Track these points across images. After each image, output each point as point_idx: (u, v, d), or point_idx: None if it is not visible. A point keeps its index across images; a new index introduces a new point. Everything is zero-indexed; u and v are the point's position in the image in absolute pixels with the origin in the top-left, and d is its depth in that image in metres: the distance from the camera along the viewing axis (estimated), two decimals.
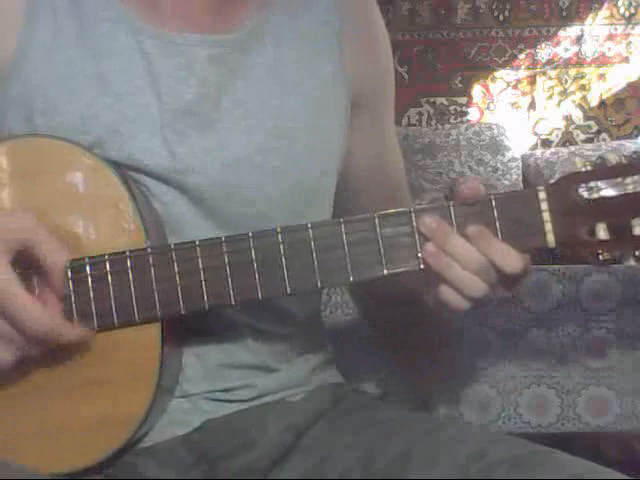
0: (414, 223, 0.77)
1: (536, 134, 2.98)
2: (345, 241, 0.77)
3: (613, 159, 0.75)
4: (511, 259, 0.76)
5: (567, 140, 2.98)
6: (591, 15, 2.95)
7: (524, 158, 2.78)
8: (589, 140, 2.98)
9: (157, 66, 0.85)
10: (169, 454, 0.84)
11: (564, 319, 1.53)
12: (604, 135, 2.98)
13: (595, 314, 1.53)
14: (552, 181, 0.78)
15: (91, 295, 0.77)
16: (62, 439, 0.78)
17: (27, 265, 0.76)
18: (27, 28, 0.84)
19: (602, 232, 0.76)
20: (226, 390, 0.87)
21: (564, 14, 2.95)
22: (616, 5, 2.95)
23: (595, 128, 2.99)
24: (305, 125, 0.89)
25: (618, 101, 2.99)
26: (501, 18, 2.95)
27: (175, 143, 0.84)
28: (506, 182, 2.66)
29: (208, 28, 0.87)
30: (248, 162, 0.86)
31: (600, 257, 0.77)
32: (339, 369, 1.01)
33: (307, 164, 0.89)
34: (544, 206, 0.76)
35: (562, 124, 2.99)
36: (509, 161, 2.71)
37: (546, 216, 0.76)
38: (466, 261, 0.75)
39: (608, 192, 0.76)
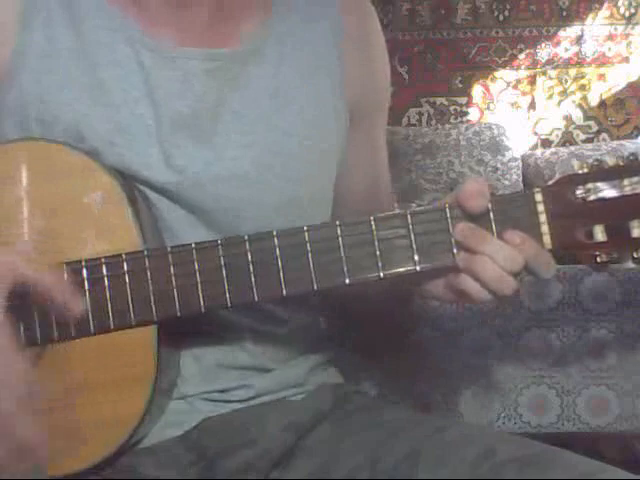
0: (410, 225, 0.77)
1: (536, 134, 2.98)
2: (341, 243, 0.77)
3: (610, 161, 0.75)
4: (550, 262, 0.76)
5: (567, 140, 2.98)
6: (591, 15, 2.94)
7: (524, 158, 2.78)
8: (589, 140, 2.98)
9: (154, 78, 0.85)
10: (167, 453, 0.84)
11: (564, 319, 1.53)
12: (604, 135, 2.98)
13: (595, 314, 1.54)
14: (550, 182, 0.78)
15: (87, 298, 0.77)
16: (59, 442, 0.78)
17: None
18: (22, 35, 0.84)
19: (600, 234, 0.75)
20: (223, 391, 0.88)
21: (564, 14, 2.95)
22: (616, 5, 2.95)
23: (595, 128, 2.99)
24: (302, 141, 0.89)
25: (618, 101, 2.98)
26: (501, 18, 2.94)
27: (171, 155, 0.84)
28: (506, 182, 2.66)
29: (207, 42, 0.87)
30: (243, 177, 0.86)
31: (597, 259, 0.76)
32: (338, 370, 1.01)
33: (303, 180, 0.89)
34: (540, 208, 0.76)
35: (562, 124, 2.98)
36: (509, 161, 2.71)
37: (543, 218, 0.76)
38: (505, 261, 0.75)
39: (605, 194, 0.75)
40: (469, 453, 0.79)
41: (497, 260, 0.74)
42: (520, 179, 2.70)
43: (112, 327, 0.77)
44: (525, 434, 1.46)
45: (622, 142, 2.76)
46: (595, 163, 0.75)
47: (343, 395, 0.95)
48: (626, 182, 0.74)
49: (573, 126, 2.99)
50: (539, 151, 2.85)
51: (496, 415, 1.55)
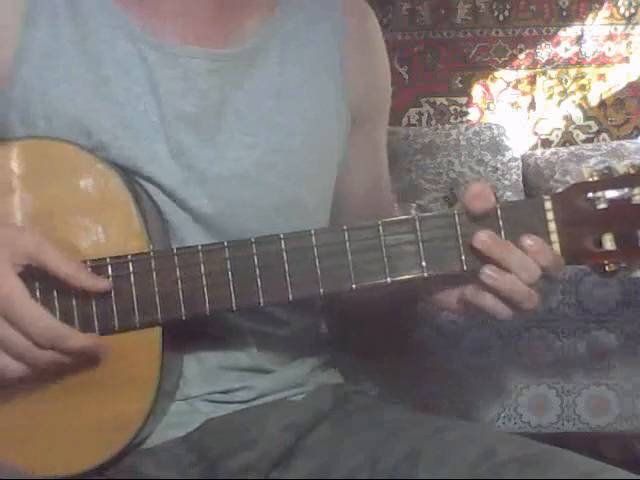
0: (418, 231, 0.76)
1: (536, 134, 2.98)
2: (348, 248, 0.76)
3: (620, 169, 0.74)
4: (560, 265, 0.76)
5: (567, 140, 2.98)
6: (591, 15, 2.94)
7: (524, 158, 2.77)
8: (589, 140, 2.97)
9: (157, 75, 0.85)
10: (169, 454, 0.85)
11: (564, 319, 1.53)
12: (604, 135, 2.98)
13: (595, 314, 1.53)
14: (559, 190, 0.77)
15: (92, 298, 0.77)
16: (62, 442, 0.79)
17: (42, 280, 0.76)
18: (26, 31, 0.84)
19: (609, 243, 0.75)
20: (225, 392, 0.88)
21: (564, 14, 2.95)
22: (616, 5, 2.95)
23: (595, 128, 2.99)
24: (304, 142, 0.89)
25: (618, 101, 2.98)
26: (501, 18, 2.94)
27: (173, 153, 0.84)
28: (506, 182, 2.66)
29: (210, 40, 0.87)
30: (244, 177, 0.86)
31: (606, 268, 0.76)
32: (338, 370, 1.01)
33: (303, 180, 0.89)
34: (550, 216, 0.76)
35: (562, 124, 2.98)
36: (509, 161, 2.70)
37: (552, 226, 0.76)
38: (527, 273, 0.75)
39: (615, 202, 0.75)
40: (469, 453, 0.79)
41: (520, 273, 0.75)
42: (520, 179, 2.70)
43: (116, 328, 0.77)
44: (525, 434, 1.46)
45: (622, 142, 2.76)
46: (605, 171, 0.74)
47: (343, 395, 0.95)
48: (636, 191, 0.74)
49: (573, 126, 2.98)
50: (539, 151, 2.85)
51: (496, 415, 1.55)
